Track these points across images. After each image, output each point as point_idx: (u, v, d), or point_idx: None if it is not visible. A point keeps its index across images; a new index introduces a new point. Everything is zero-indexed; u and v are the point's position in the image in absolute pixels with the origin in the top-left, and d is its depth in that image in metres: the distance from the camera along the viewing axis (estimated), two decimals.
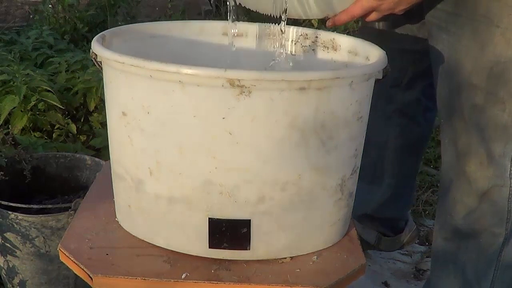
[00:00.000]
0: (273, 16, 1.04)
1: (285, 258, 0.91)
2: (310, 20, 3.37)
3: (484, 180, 1.12)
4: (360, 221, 1.58)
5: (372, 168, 1.51)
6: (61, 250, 0.92)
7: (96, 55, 0.91)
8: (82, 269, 0.88)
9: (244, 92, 0.78)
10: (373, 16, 1.11)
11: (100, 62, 0.92)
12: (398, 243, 1.68)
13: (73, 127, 2.02)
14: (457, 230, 1.19)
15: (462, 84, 1.11)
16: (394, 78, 1.40)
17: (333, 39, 1.08)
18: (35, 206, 1.34)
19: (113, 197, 1.01)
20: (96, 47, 0.90)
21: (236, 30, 1.08)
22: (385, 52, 0.95)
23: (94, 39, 0.94)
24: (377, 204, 1.58)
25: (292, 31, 1.13)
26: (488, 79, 1.07)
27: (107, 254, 0.91)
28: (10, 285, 1.42)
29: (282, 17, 1.03)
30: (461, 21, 1.09)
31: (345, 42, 1.07)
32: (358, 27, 1.43)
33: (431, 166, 2.23)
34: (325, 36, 1.10)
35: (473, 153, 1.13)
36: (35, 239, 1.34)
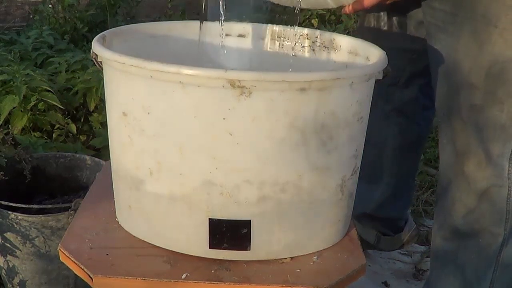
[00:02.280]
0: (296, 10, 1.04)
1: (285, 258, 0.91)
2: (310, 20, 3.38)
3: (483, 180, 1.12)
4: (359, 220, 1.58)
5: (371, 167, 1.52)
6: (61, 250, 0.92)
7: (96, 55, 0.91)
8: (82, 269, 0.88)
9: (244, 92, 0.78)
10: (388, 2, 1.12)
11: (101, 62, 0.92)
12: (398, 242, 1.68)
13: (73, 127, 2.02)
14: (456, 229, 1.19)
15: (461, 84, 1.11)
16: (392, 77, 1.40)
17: (333, 39, 1.08)
18: (35, 206, 1.34)
19: (113, 197, 1.01)
20: (96, 47, 0.90)
21: (224, 29, 1.08)
22: (385, 52, 0.95)
23: (94, 39, 0.93)
24: (377, 203, 1.58)
25: (293, 32, 1.13)
26: (487, 79, 1.08)
27: (107, 254, 0.91)
28: (10, 285, 1.42)
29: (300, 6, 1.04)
30: (459, 21, 1.10)
31: (345, 42, 1.07)
32: (357, 27, 1.44)
33: (431, 166, 2.23)
34: (325, 36, 1.10)
35: (471, 153, 1.13)
36: (35, 239, 1.33)
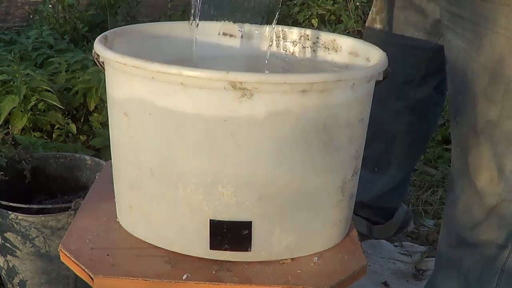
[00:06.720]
0: None
1: (286, 259, 0.91)
2: (310, 21, 3.38)
3: (494, 195, 1.10)
4: None
5: (378, 158, 1.53)
6: (62, 250, 0.92)
7: (98, 55, 0.91)
8: (83, 270, 0.88)
9: (246, 94, 0.78)
10: None
11: (102, 63, 0.92)
12: (392, 228, 1.69)
13: (73, 127, 2.02)
14: (462, 239, 1.17)
15: (477, 97, 1.09)
16: (407, 74, 1.40)
17: (334, 40, 1.08)
18: (35, 206, 1.34)
19: (114, 198, 1.01)
20: (98, 47, 0.90)
21: (224, 30, 1.07)
22: (385, 53, 0.95)
23: (96, 39, 0.93)
24: (377, 193, 1.59)
25: (293, 32, 1.13)
26: (505, 95, 1.06)
27: (108, 255, 0.91)
28: (10, 285, 1.42)
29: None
30: (463, 23, 1.09)
31: (345, 43, 1.07)
32: (367, 24, 1.40)
33: (431, 166, 2.23)
34: (326, 37, 1.10)
35: (484, 168, 1.11)
36: (35, 239, 1.33)
